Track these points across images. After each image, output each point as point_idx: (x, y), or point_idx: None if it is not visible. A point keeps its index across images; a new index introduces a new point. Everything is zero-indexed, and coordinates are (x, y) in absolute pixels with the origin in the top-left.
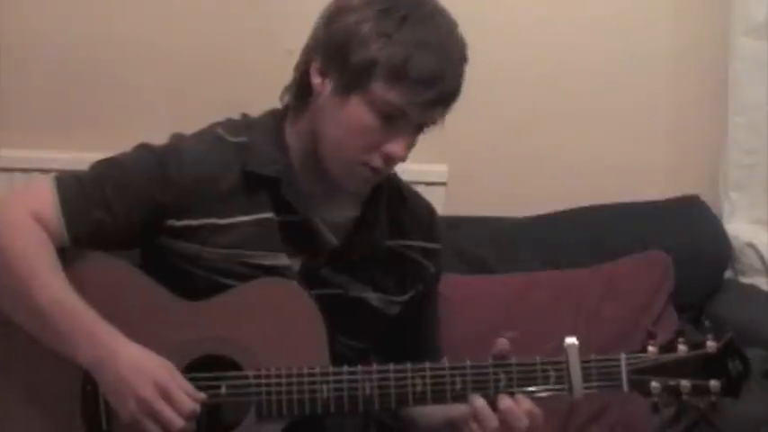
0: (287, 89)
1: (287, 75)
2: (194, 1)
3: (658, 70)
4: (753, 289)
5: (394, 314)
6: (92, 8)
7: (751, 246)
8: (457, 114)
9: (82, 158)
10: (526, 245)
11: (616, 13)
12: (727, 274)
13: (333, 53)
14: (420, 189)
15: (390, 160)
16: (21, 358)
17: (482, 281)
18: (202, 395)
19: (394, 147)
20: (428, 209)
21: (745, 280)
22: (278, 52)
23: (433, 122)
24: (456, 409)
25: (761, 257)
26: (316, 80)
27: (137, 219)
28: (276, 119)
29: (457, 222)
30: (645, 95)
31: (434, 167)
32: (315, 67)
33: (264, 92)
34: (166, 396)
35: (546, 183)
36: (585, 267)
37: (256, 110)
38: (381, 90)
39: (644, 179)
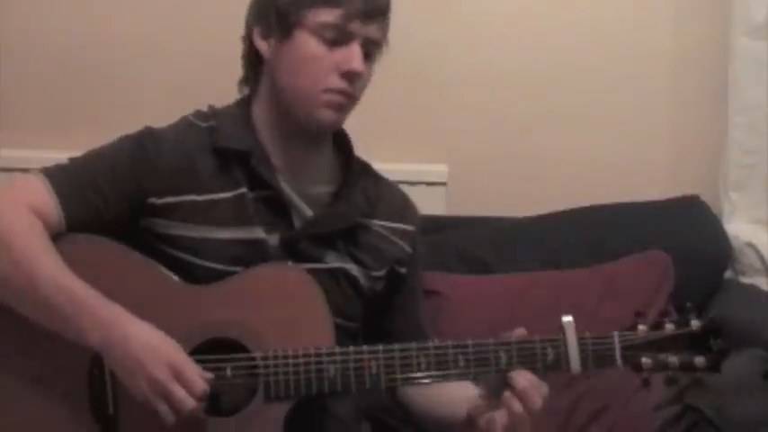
0: (242, 80)
1: None
2: (194, 1)
3: (659, 70)
4: (753, 289)
5: (378, 290)
6: (92, 8)
7: (751, 246)
8: (457, 114)
9: None
10: (526, 245)
11: (616, 14)
12: (727, 274)
13: (265, 10)
14: (420, 189)
15: (350, 77)
16: (26, 345)
17: (482, 281)
18: (210, 374)
19: (349, 63)
20: (402, 195)
21: (745, 280)
22: None
23: (377, 43)
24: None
25: (761, 257)
26: (261, 46)
27: (126, 204)
28: (241, 105)
29: (457, 222)
30: (645, 96)
31: (434, 167)
32: (256, 35)
33: None
34: (180, 377)
35: (546, 183)
36: (585, 267)
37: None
38: (315, 15)
39: (644, 179)
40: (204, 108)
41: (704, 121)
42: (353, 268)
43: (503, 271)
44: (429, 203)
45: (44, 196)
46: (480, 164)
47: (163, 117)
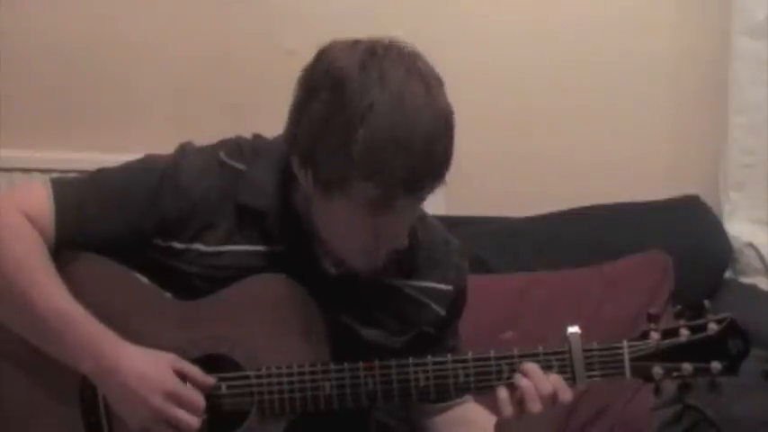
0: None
1: (287, 75)
2: (194, 1)
3: (659, 70)
4: (753, 289)
5: (399, 347)
6: (92, 8)
7: (751, 246)
8: (456, 114)
9: (82, 158)
10: (526, 245)
11: (617, 14)
12: (727, 274)
13: (304, 158)
14: None
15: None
16: (19, 366)
17: (482, 281)
18: (211, 379)
19: (392, 241)
20: (446, 251)
21: (745, 280)
22: (278, 52)
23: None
24: None
25: (761, 257)
26: (298, 173)
27: (127, 234)
28: (285, 148)
29: (457, 222)
30: (645, 95)
31: None
32: (294, 161)
33: (264, 92)
34: (178, 401)
35: (546, 183)
36: (585, 267)
37: (256, 109)
38: (356, 188)
39: (644, 179)
40: (247, 134)
41: (704, 121)
42: (370, 333)
43: (503, 271)
44: (429, 203)
45: (42, 205)
46: (480, 164)
47: (162, 117)
